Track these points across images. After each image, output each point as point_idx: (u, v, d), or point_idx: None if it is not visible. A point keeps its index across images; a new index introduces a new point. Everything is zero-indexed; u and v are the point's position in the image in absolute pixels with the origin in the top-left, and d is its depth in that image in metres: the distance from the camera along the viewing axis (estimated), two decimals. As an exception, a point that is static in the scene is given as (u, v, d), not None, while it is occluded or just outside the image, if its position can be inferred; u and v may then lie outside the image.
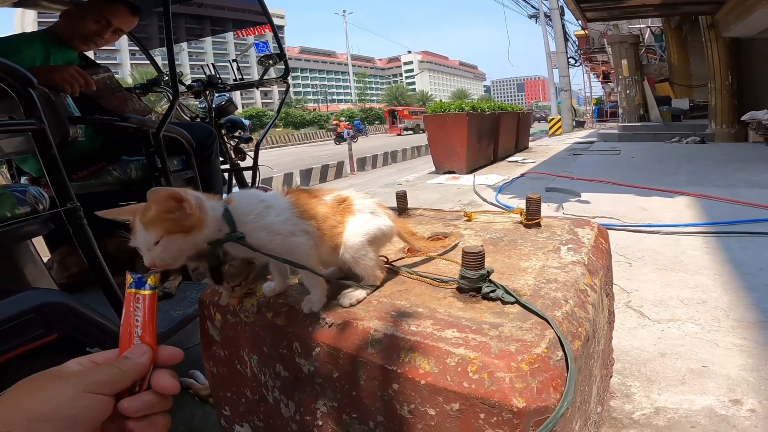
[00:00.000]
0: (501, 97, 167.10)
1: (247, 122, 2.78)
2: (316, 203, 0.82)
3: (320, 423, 0.79)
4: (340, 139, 25.30)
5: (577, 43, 23.47)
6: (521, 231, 1.17)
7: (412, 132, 34.18)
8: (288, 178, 8.65)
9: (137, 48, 2.46)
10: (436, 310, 0.76)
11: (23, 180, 1.75)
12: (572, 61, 23.18)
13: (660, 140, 9.97)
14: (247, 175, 2.61)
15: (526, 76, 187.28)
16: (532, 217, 1.18)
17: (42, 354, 0.97)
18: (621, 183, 4.79)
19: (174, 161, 1.82)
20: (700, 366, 1.57)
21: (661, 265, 2.51)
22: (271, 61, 2.52)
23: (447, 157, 7.23)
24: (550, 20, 19.36)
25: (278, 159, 15.40)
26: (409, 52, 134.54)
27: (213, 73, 2.52)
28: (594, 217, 3.42)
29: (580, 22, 10.96)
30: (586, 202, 4.12)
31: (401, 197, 1.36)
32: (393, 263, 0.96)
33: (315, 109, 67.71)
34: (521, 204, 1.25)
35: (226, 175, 2.53)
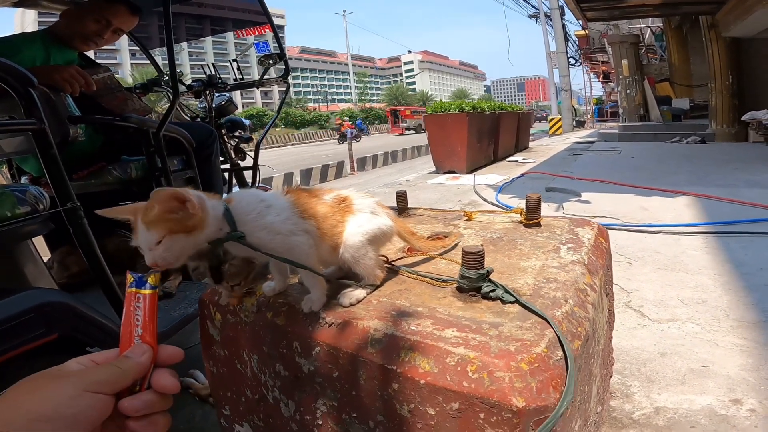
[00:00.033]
0: (501, 96, 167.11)
1: (247, 122, 2.78)
2: (316, 203, 0.82)
3: (320, 422, 0.79)
4: (343, 138, 25.39)
5: (577, 42, 23.46)
6: (521, 231, 1.17)
7: (414, 131, 34.25)
8: (288, 177, 8.65)
9: (137, 48, 2.46)
10: (435, 310, 0.76)
11: (23, 180, 1.75)
12: (572, 61, 23.18)
13: (660, 140, 9.97)
14: (248, 175, 2.61)
15: (527, 76, 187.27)
16: (532, 217, 1.18)
17: (42, 354, 0.97)
18: (621, 183, 4.79)
19: (174, 161, 1.83)
20: (700, 366, 1.57)
21: (661, 265, 2.51)
22: (271, 61, 2.52)
23: (447, 157, 7.23)
24: (551, 20, 19.35)
25: (278, 159, 15.40)
26: (410, 51, 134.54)
27: (213, 72, 2.52)
28: (594, 217, 3.42)
29: (580, 21, 10.96)
30: (587, 201, 4.12)
31: (401, 197, 1.36)
32: (393, 263, 0.96)
33: (315, 109, 67.68)
34: (521, 204, 1.25)
35: (226, 174, 2.53)
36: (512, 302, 0.76)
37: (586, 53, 22.85)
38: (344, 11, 77.90)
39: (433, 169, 7.59)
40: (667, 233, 3.08)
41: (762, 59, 8.64)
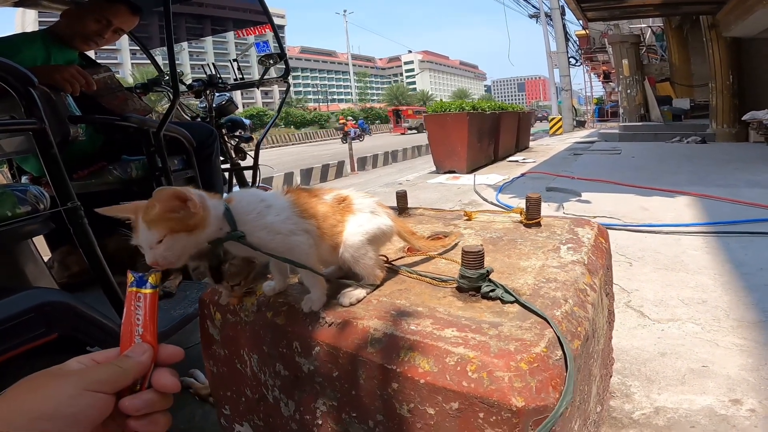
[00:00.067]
0: (501, 96, 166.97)
1: (247, 122, 2.78)
2: (316, 202, 0.82)
3: (320, 422, 0.80)
4: (347, 137, 25.50)
5: (577, 42, 23.45)
6: (521, 230, 1.17)
7: (416, 131, 34.38)
8: (288, 177, 8.65)
9: (138, 47, 2.47)
10: (435, 310, 0.77)
11: (24, 179, 1.76)
12: (573, 61, 23.17)
13: (661, 140, 9.96)
14: (248, 175, 2.61)
15: (527, 76, 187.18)
16: (532, 217, 1.18)
17: (42, 353, 0.97)
18: (622, 183, 4.79)
19: (174, 161, 1.83)
20: (700, 366, 1.57)
21: (661, 265, 2.51)
22: (271, 61, 2.52)
23: (447, 157, 7.23)
24: (551, 20, 19.35)
25: (278, 158, 15.40)
26: (410, 51, 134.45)
27: (213, 72, 2.52)
28: (594, 217, 3.42)
29: (580, 21, 10.95)
30: (587, 201, 4.12)
31: (401, 197, 1.36)
32: (393, 262, 0.96)
33: (315, 109, 67.67)
34: (521, 203, 1.25)
35: (226, 174, 2.54)
36: (512, 302, 0.76)
37: (587, 53, 22.84)
38: (344, 11, 77.97)
39: (434, 168, 7.59)
40: (667, 233, 3.08)
41: (762, 59, 8.63)
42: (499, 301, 0.77)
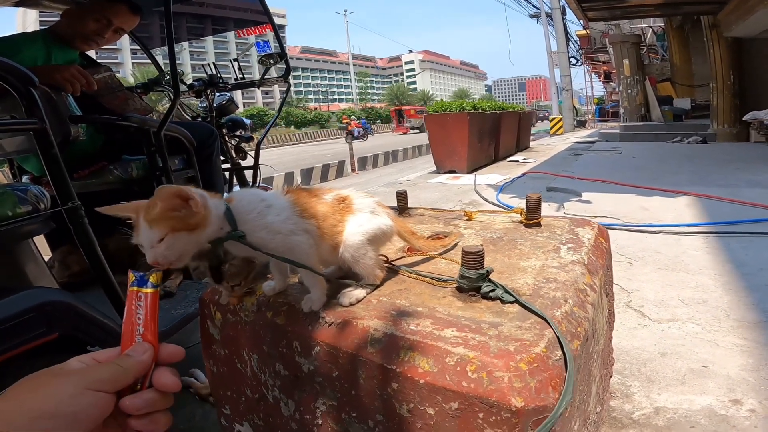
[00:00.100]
0: (502, 96, 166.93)
1: (248, 121, 2.78)
2: (316, 202, 0.82)
3: (320, 422, 0.80)
4: (350, 136, 25.82)
5: (578, 42, 23.43)
6: (521, 230, 1.17)
7: (418, 131, 34.56)
8: (289, 177, 8.65)
9: (138, 47, 2.47)
10: (435, 310, 0.77)
11: (24, 179, 1.76)
12: (574, 61, 23.15)
13: (661, 140, 9.96)
14: (248, 174, 2.61)
15: (528, 76, 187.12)
16: (532, 217, 1.18)
17: (43, 353, 0.97)
18: (622, 183, 4.78)
19: (175, 160, 1.83)
20: (700, 366, 1.57)
21: (662, 265, 2.51)
22: (272, 61, 2.52)
23: (448, 157, 7.23)
24: (552, 20, 19.33)
25: (279, 158, 15.41)
26: (411, 51, 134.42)
27: (214, 72, 2.52)
28: (595, 217, 3.42)
29: (581, 21, 10.94)
30: (587, 201, 4.12)
31: (401, 196, 1.36)
32: (393, 262, 0.96)
33: (316, 109, 67.70)
34: (522, 203, 1.25)
35: (226, 174, 2.54)
36: (512, 302, 0.76)
37: (588, 53, 22.82)
38: (345, 11, 77.92)
39: (434, 168, 7.59)
40: (667, 233, 3.07)
41: (763, 59, 8.62)
42: (498, 301, 0.77)
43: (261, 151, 2.53)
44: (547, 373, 0.62)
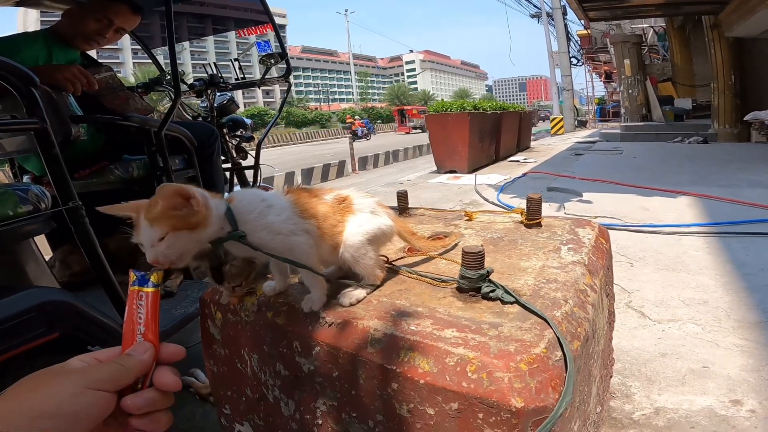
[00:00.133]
0: (503, 96, 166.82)
1: (248, 121, 2.78)
2: (317, 202, 0.82)
3: (320, 422, 0.80)
4: (355, 136, 27.00)
5: (579, 42, 23.41)
6: (522, 231, 1.17)
7: (420, 130, 34.71)
8: (289, 177, 8.65)
9: (139, 47, 2.47)
10: (435, 310, 0.77)
11: (25, 179, 1.76)
12: (574, 61, 23.13)
13: (662, 140, 9.95)
14: (249, 174, 2.62)
15: (528, 76, 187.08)
16: (532, 217, 1.18)
17: (43, 353, 0.97)
18: (623, 183, 4.78)
19: (176, 160, 1.83)
20: (700, 366, 1.57)
21: (662, 266, 2.51)
22: (272, 60, 2.52)
23: (448, 157, 7.23)
24: (553, 20, 19.33)
25: (280, 158, 15.41)
26: (411, 51, 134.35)
27: (215, 72, 2.52)
28: (596, 217, 3.42)
29: (582, 21, 10.93)
30: (588, 201, 4.11)
31: (402, 197, 1.36)
32: (393, 263, 0.96)
33: (317, 109, 67.69)
34: (522, 203, 1.25)
35: (227, 174, 2.54)
36: (512, 302, 0.76)
37: (589, 53, 22.82)
38: (346, 10, 77.93)
39: (435, 168, 7.59)
40: (668, 233, 3.07)
41: (765, 59, 8.61)
42: (499, 301, 0.77)
43: (261, 150, 2.54)
44: (547, 374, 0.62)
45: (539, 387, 0.60)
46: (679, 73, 12.92)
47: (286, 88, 2.57)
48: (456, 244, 1.08)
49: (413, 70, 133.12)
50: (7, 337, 0.91)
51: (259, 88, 2.68)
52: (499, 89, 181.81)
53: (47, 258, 1.48)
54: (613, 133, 12.70)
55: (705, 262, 2.51)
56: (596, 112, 26.15)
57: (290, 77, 2.52)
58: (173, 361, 0.50)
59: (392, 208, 1.03)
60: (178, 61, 1.70)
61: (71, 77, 1.48)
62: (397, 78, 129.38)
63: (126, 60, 58.45)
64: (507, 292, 0.77)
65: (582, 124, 24.13)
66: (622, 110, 14.69)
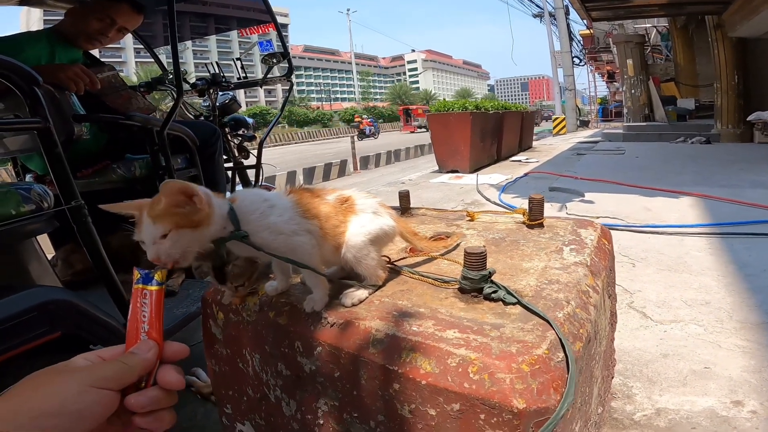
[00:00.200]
0: (505, 96, 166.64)
1: (250, 120, 2.78)
2: (319, 203, 0.82)
3: (321, 422, 0.80)
4: (362, 135, 27.98)
5: (581, 42, 23.38)
6: (524, 231, 1.17)
7: (425, 129, 34.76)
8: (291, 176, 8.66)
9: (142, 46, 2.47)
10: (437, 311, 0.77)
11: (28, 178, 1.76)
12: (577, 61, 23.12)
13: (665, 140, 9.92)
14: (251, 174, 2.62)
15: (531, 76, 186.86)
16: (534, 218, 1.18)
17: (45, 352, 0.98)
18: (625, 183, 4.77)
19: (178, 159, 1.83)
20: (702, 367, 1.57)
21: (664, 266, 2.50)
22: (274, 60, 2.53)
23: (450, 156, 7.22)
24: (555, 19, 19.29)
25: (281, 157, 15.42)
26: (413, 50, 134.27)
27: (217, 71, 2.52)
28: (598, 217, 3.41)
29: (585, 21, 10.91)
30: (590, 202, 4.11)
31: (404, 197, 1.36)
32: (395, 263, 0.96)
33: (318, 108, 67.71)
34: (524, 203, 1.25)
35: (229, 173, 2.54)
36: (514, 303, 0.76)
37: (591, 53, 22.79)
38: (348, 10, 77.82)
39: (436, 168, 7.58)
40: (670, 234, 3.07)
41: (768, 59, 8.59)
42: (501, 302, 0.77)
43: (263, 150, 2.54)
44: (549, 375, 0.62)
45: (541, 388, 0.60)
46: (682, 73, 12.88)
47: (288, 88, 2.57)
48: (458, 245, 1.08)
49: (415, 69, 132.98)
50: (10, 336, 0.92)
51: (261, 87, 2.68)
52: (501, 89, 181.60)
53: (50, 257, 1.48)
54: (615, 133, 12.68)
55: (707, 262, 2.51)
56: (598, 112, 26.14)
57: (292, 76, 2.53)
58: (177, 359, 0.50)
59: (394, 208, 1.03)
60: (180, 61, 1.70)
61: (74, 76, 1.48)
62: (399, 77, 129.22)
63: (128, 59, 58.52)
64: (509, 293, 0.77)
65: (584, 124, 24.12)
66: (625, 110, 14.65)
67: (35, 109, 1.11)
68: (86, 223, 1.21)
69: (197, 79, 2.52)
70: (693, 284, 2.24)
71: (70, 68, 1.49)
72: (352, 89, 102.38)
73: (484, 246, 0.80)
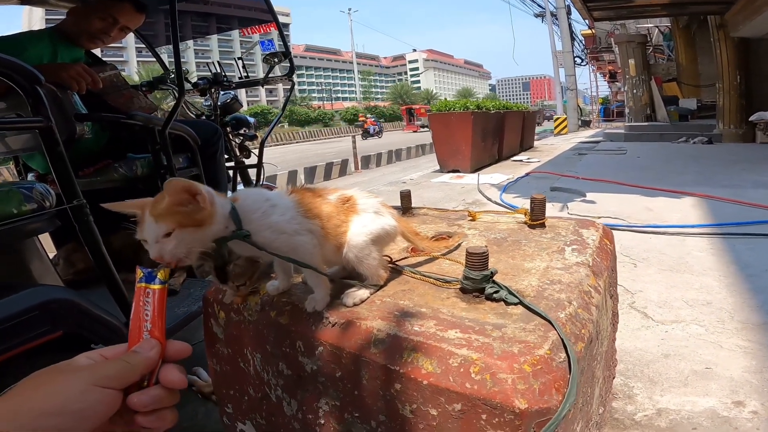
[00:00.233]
0: (506, 96, 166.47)
1: (252, 120, 2.78)
2: (321, 202, 0.82)
3: (322, 422, 0.80)
4: (366, 134, 28.38)
5: (583, 42, 23.33)
6: (525, 231, 1.16)
7: (428, 129, 34.83)
8: (292, 175, 8.66)
9: (144, 45, 2.47)
10: (439, 311, 0.77)
11: (30, 177, 1.77)
12: (579, 61, 23.08)
13: (667, 140, 9.90)
14: (252, 173, 2.62)
15: (532, 75, 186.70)
16: (536, 218, 1.18)
17: (46, 351, 0.98)
18: (627, 183, 4.76)
19: (179, 158, 1.83)
20: (703, 367, 1.56)
21: (666, 266, 2.50)
22: (276, 59, 2.53)
23: (451, 156, 7.22)
24: (557, 19, 19.26)
25: (283, 156, 15.42)
26: (414, 50, 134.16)
27: (218, 70, 2.52)
28: (599, 217, 3.41)
29: (586, 21, 10.90)
30: (591, 202, 4.10)
31: (405, 196, 1.36)
32: (396, 263, 0.96)
33: (320, 107, 67.72)
34: (525, 203, 1.25)
35: (230, 172, 2.54)
36: (516, 304, 0.76)
37: (593, 53, 22.75)
38: (349, 9, 77.76)
39: (437, 167, 7.58)
40: (672, 234, 3.06)
41: (770, 59, 8.57)
42: (502, 302, 0.77)
43: (265, 149, 2.54)
44: (551, 375, 0.62)
45: (543, 388, 0.60)
46: (684, 73, 12.86)
47: (289, 87, 2.56)
48: (459, 245, 1.08)
49: (416, 69, 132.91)
50: (11, 335, 0.92)
51: (262, 86, 2.68)
52: (502, 89, 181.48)
53: (51, 256, 1.48)
54: (616, 133, 12.66)
55: (709, 263, 2.50)
56: (600, 111, 26.10)
57: (293, 76, 2.53)
58: (179, 358, 0.50)
59: (395, 207, 1.03)
60: (182, 60, 1.70)
61: (76, 76, 1.48)
62: (400, 77, 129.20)
63: (130, 58, 58.55)
64: (511, 293, 0.77)
65: (586, 124, 24.08)
66: (626, 110, 14.62)
67: (37, 108, 1.11)
68: (88, 222, 1.21)
69: (199, 79, 2.52)
70: (694, 284, 2.24)
71: (72, 67, 1.49)
72: (353, 89, 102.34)
73: (486, 246, 0.80)
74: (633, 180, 4.87)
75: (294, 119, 49.00)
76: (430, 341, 0.68)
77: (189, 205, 0.64)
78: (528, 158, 8.71)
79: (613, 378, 1.21)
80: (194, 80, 2.55)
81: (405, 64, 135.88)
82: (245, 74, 2.71)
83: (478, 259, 0.79)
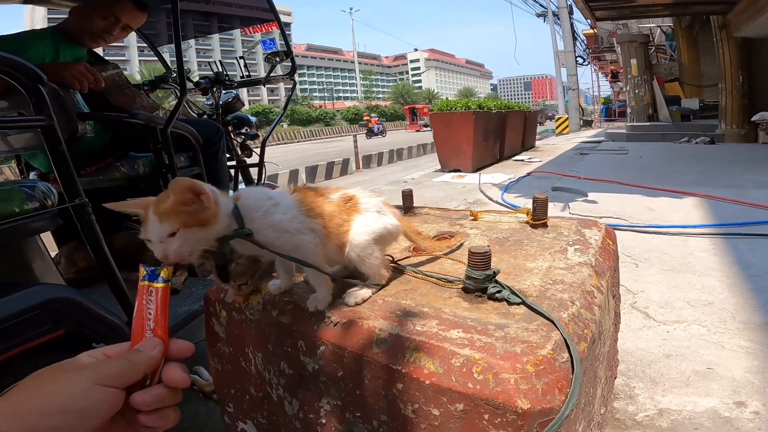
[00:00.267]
0: (508, 95, 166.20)
1: (253, 119, 2.79)
2: (323, 201, 0.82)
3: (324, 421, 0.80)
4: (371, 133, 28.82)
5: (585, 41, 23.30)
6: (527, 231, 1.16)
7: (431, 128, 34.94)
8: (294, 174, 8.66)
9: (146, 45, 2.47)
10: (441, 310, 0.76)
11: (32, 175, 1.77)
12: (580, 60, 23.05)
13: (669, 140, 9.89)
14: (254, 172, 2.62)
15: (534, 75, 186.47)
16: (538, 217, 1.18)
17: (49, 350, 0.98)
18: (628, 183, 4.75)
19: (181, 157, 1.83)
20: (705, 368, 1.56)
21: (668, 266, 2.49)
22: (277, 58, 2.53)
23: (453, 156, 7.22)
24: (558, 19, 19.23)
25: (284, 156, 15.43)
26: (416, 49, 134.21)
27: (220, 70, 2.52)
28: (601, 217, 3.40)
29: (588, 20, 10.88)
30: (593, 201, 4.10)
31: (407, 196, 1.36)
32: (399, 262, 0.96)
33: (321, 107, 67.73)
34: (527, 203, 1.25)
35: (232, 171, 2.54)
36: (518, 303, 0.76)
37: (595, 52, 22.71)
38: (351, 9, 77.75)
39: (439, 167, 7.58)
40: (674, 234, 3.06)
41: (773, 59, 8.55)
42: (505, 302, 0.77)
43: (266, 148, 2.54)
44: (554, 375, 0.61)
45: (545, 388, 0.60)
46: (687, 73, 12.83)
47: (291, 86, 2.56)
48: (461, 244, 1.08)
49: (418, 68, 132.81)
50: (13, 334, 0.92)
51: (264, 86, 2.68)
52: (504, 88, 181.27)
53: (53, 255, 1.48)
54: (618, 132, 12.63)
55: (711, 263, 2.50)
56: (602, 111, 26.07)
57: (295, 75, 2.53)
58: (182, 357, 0.50)
59: (397, 207, 1.03)
60: (183, 59, 1.70)
61: (78, 75, 1.48)
62: (402, 76, 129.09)
63: (132, 58, 58.65)
64: (513, 293, 0.77)
65: (587, 124, 24.05)
66: (628, 110, 14.61)
67: (39, 107, 1.11)
68: (90, 221, 1.21)
69: (200, 78, 2.52)
70: (696, 285, 2.23)
71: (75, 66, 1.50)
72: (354, 88, 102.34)
73: (488, 246, 0.80)
74: (635, 180, 4.86)
75: (295, 118, 49.04)
76: (432, 341, 0.68)
77: (193, 204, 0.64)
78: (529, 158, 8.70)
79: (615, 378, 1.21)
80: (196, 79, 2.55)
81: (406, 64, 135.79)
82: (247, 73, 2.71)
83: (480, 259, 0.78)
